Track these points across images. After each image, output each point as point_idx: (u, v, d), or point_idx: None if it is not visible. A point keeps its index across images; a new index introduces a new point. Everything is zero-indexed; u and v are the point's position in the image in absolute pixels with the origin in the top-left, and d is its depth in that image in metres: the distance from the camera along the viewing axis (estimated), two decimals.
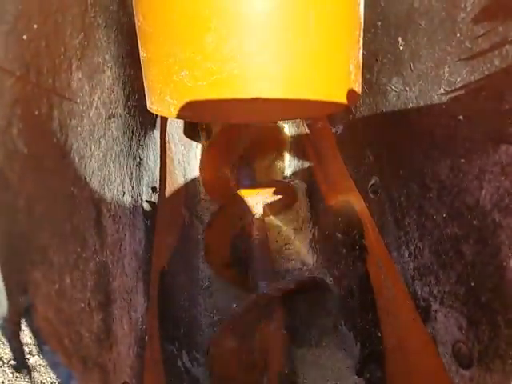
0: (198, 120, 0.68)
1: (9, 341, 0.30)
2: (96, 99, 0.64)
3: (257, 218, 1.28)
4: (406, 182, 0.75)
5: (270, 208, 1.34)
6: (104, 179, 0.64)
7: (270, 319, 0.99)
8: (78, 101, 0.57)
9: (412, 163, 0.73)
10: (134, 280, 0.71)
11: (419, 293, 0.74)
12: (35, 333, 0.31)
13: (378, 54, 0.80)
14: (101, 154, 0.64)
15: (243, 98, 0.64)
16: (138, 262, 0.75)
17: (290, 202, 1.42)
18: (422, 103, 0.69)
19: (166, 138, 1.28)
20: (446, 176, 0.65)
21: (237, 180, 1.43)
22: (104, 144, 0.66)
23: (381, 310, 0.93)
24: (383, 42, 0.78)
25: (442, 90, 0.65)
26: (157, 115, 1.16)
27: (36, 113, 0.44)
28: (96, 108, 0.64)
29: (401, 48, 0.73)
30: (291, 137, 1.57)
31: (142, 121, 0.93)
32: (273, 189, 1.34)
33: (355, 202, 1.00)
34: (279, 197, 1.34)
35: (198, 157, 1.67)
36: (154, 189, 0.93)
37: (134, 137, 0.85)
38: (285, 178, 1.59)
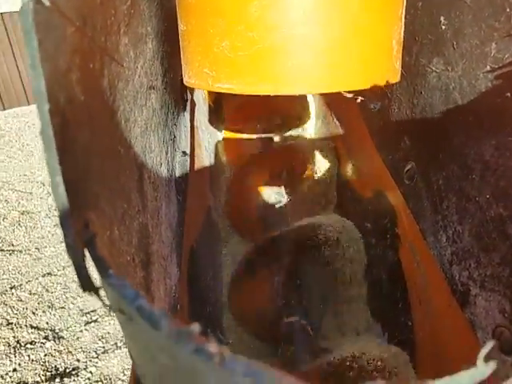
0: (236, 92, 0.68)
1: (76, 264, 0.31)
2: (139, 68, 0.65)
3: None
4: (445, 165, 0.74)
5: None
6: (145, 146, 0.65)
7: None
8: (125, 65, 0.58)
9: (453, 145, 0.72)
10: (169, 249, 0.72)
11: (457, 277, 0.73)
12: (98, 260, 0.31)
13: (418, 36, 0.79)
14: (143, 122, 0.64)
15: (284, 69, 0.64)
16: (172, 233, 0.76)
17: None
18: (465, 82, 0.68)
19: (195, 123, 1.29)
20: (491, 155, 0.63)
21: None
22: (146, 112, 0.66)
23: (412, 298, 0.91)
24: (423, 23, 0.77)
25: (487, 68, 0.64)
26: (187, 99, 1.17)
27: (91, 66, 0.44)
28: (139, 76, 0.64)
29: (443, 27, 0.72)
30: (318, 138, 1.57)
31: (176, 100, 0.94)
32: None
33: (388, 189, 0.99)
34: None
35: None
36: (184, 153, 0.94)
37: (169, 113, 0.86)
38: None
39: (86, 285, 0.32)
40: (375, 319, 1.09)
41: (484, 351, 0.27)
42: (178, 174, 0.89)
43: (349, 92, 0.69)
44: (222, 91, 0.68)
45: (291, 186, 1.44)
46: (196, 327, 0.27)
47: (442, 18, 0.72)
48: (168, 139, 0.82)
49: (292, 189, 1.43)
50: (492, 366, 0.26)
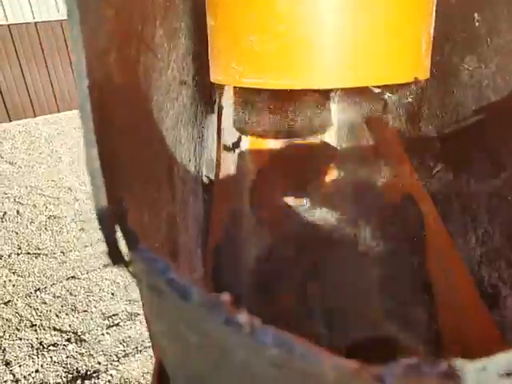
0: (262, 86, 0.68)
1: (107, 237, 0.31)
2: (172, 61, 0.66)
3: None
4: (476, 164, 0.73)
5: None
6: (176, 140, 0.66)
7: None
8: (159, 56, 0.59)
9: (484, 142, 0.71)
10: (194, 243, 0.72)
11: (486, 279, 0.71)
12: (129, 235, 0.31)
13: (450, 34, 0.78)
14: (174, 115, 0.66)
15: (310, 62, 0.64)
16: (198, 228, 0.76)
17: None
18: (499, 79, 0.67)
19: (222, 126, 1.30)
20: None
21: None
22: (177, 106, 0.67)
23: (439, 303, 0.89)
24: (456, 21, 0.77)
25: None
26: (215, 101, 1.18)
27: (128, 51, 0.46)
28: (172, 70, 0.66)
29: (477, 24, 0.71)
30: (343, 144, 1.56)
31: (205, 99, 0.95)
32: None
33: (416, 192, 0.97)
34: None
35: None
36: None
37: (198, 112, 0.87)
38: None
39: (116, 258, 0.32)
40: (401, 324, 1.06)
41: None
42: (204, 173, 0.90)
43: (376, 87, 0.69)
44: (249, 86, 0.68)
45: (313, 190, 1.43)
46: (226, 297, 0.27)
47: (475, 15, 0.71)
48: (196, 137, 0.83)
49: (314, 193, 1.42)
50: None
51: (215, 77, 0.77)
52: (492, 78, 0.68)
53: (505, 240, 0.67)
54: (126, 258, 0.30)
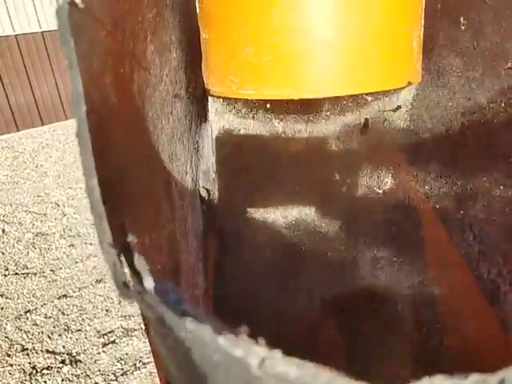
0: (260, 97, 0.69)
1: (114, 270, 0.30)
2: (165, 76, 0.66)
3: None
4: (469, 163, 0.74)
5: None
6: (172, 154, 0.65)
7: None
8: (151, 72, 0.59)
9: (476, 142, 0.72)
10: (195, 258, 0.72)
11: (485, 275, 0.72)
12: (136, 267, 0.30)
13: (438, 37, 0.80)
14: (169, 130, 0.65)
15: (306, 72, 0.65)
16: (198, 243, 0.76)
17: None
18: (486, 81, 0.68)
19: (217, 135, 1.30)
20: None
21: None
22: (172, 121, 0.67)
23: (440, 302, 0.90)
24: (443, 24, 0.78)
25: (509, 64, 0.64)
26: (208, 110, 1.18)
27: (121, 70, 0.45)
28: (165, 84, 0.65)
29: (463, 28, 0.73)
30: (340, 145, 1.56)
31: (199, 109, 0.95)
32: None
33: (412, 192, 0.98)
34: None
35: None
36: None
37: (193, 122, 0.87)
38: None
39: (125, 292, 0.31)
40: (403, 323, 1.07)
41: None
42: (201, 184, 0.90)
43: (370, 94, 0.70)
44: (247, 97, 0.69)
45: (311, 194, 1.43)
46: (245, 329, 0.26)
47: (461, 19, 0.72)
48: (192, 148, 0.83)
49: (312, 197, 1.42)
50: None
51: (212, 88, 0.77)
52: (479, 79, 0.69)
53: (502, 236, 0.68)
54: (133, 289, 0.29)
